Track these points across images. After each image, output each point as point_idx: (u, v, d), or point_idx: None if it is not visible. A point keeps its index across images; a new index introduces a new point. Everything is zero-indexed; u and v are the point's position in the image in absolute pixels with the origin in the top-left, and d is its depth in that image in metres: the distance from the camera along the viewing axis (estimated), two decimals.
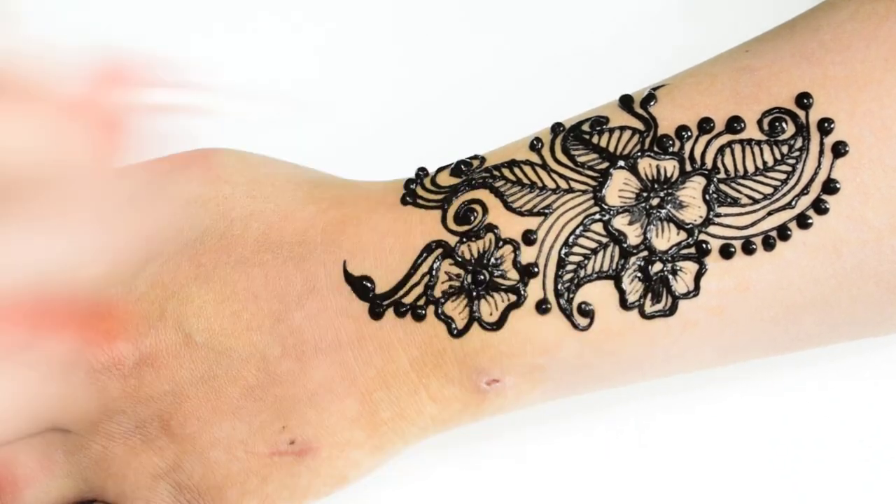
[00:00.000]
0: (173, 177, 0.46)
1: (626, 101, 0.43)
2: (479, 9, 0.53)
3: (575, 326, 0.41)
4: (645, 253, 0.41)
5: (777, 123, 0.41)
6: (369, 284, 0.42)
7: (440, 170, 0.44)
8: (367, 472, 0.44)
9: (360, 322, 0.43)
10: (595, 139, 0.43)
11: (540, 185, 0.42)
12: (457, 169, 0.44)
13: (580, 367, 0.42)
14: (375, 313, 0.42)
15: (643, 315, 0.41)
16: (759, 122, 0.42)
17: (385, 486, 0.47)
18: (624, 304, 0.41)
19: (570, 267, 0.41)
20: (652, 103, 0.43)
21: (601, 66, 0.52)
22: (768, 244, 0.41)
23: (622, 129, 0.43)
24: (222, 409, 0.43)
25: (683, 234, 0.41)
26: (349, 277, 0.43)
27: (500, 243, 0.42)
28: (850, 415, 0.48)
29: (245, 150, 0.48)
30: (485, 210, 0.42)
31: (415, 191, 0.44)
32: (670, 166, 0.42)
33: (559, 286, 0.41)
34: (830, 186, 0.41)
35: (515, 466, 0.47)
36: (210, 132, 0.51)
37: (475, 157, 0.44)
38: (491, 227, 0.42)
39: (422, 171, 0.44)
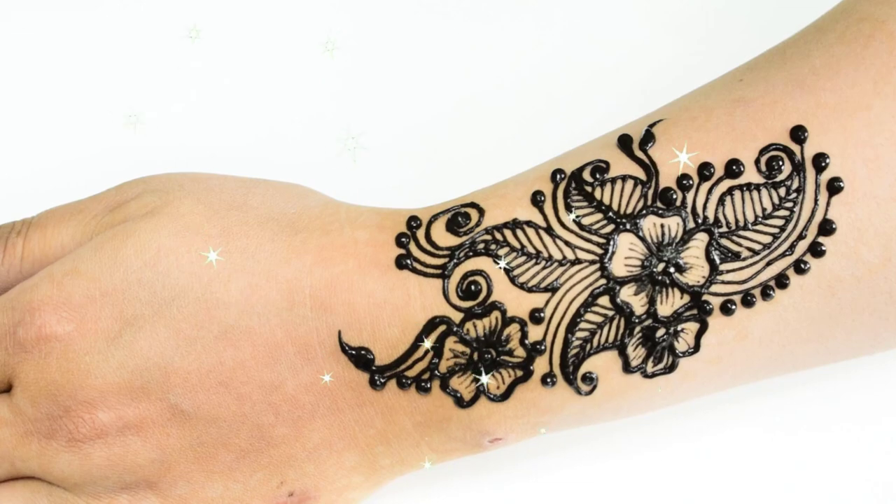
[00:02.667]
0: (141, 223, 0.42)
1: (625, 143, 0.41)
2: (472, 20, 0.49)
3: (578, 392, 0.41)
4: (649, 321, 0.41)
5: (774, 163, 0.40)
6: (369, 356, 0.41)
7: (433, 220, 0.42)
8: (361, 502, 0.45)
9: (358, 390, 0.42)
10: (598, 192, 0.41)
11: (546, 255, 0.41)
12: (453, 222, 0.41)
13: (581, 419, 0.43)
14: (376, 384, 0.41)
15: (645, 375, 0.42)
16: (757, 163, 0.40)
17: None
18: (627, 369, 0.41)
19: (576, 343, 0.41)
20: (650, 144, 0.41)
21: (595, 79, 0.50)
22: (767, 295, 0.41)
23: (624, 178, 0.41)
24: (214, 472, 0.42)
25: (687, 298, 0.41)
26: (346, 348, 0.41)
27: (508, 321, 0.41)
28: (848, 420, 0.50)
29: (202, 181, 0.43)
30: (489, 283, 0.41)
31: (409, 250, 0.41)
32: (674, 224, 0.41)
33: (565, 361, 0.41)
34: (826, 228, 0.40)
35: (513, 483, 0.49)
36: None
37: (471, 204, 0.42)
38: (496, 305, 0.41)
39: (414, 222, 0.42)
